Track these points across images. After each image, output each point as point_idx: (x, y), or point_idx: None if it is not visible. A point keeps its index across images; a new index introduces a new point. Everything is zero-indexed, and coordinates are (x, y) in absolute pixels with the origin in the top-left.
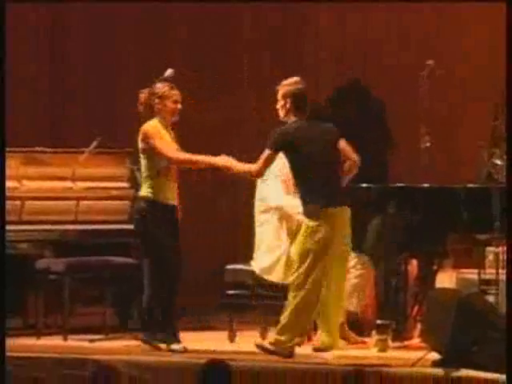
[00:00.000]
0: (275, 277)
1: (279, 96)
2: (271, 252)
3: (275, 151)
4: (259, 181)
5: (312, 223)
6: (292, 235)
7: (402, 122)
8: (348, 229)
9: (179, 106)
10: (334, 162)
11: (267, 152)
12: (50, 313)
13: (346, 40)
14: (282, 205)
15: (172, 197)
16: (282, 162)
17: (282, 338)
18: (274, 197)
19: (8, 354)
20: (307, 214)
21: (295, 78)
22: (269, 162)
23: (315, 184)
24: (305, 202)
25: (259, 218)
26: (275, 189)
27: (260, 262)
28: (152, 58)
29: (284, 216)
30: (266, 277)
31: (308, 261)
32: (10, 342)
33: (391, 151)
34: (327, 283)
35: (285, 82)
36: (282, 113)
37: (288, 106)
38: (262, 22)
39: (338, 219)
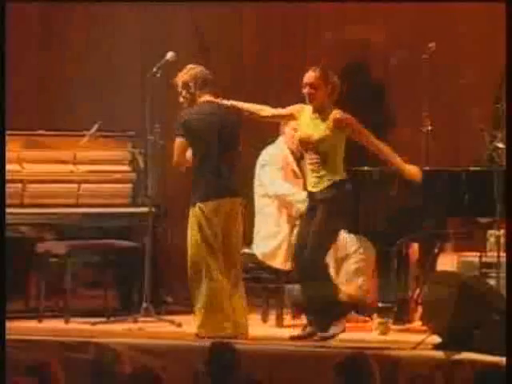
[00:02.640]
0: (278, 263)
1: (180, 85)
2: (271, 238)
3: (183, 137)
4: (258, 166)
5: (201, 210)
6: (292, 222)
7: (404, 105)
8: (239, 220)
9: (307, 89)
10: (231, 150)
11: (178, 140)
12: (52, 296)
13: (347, 26)
14: (281, 193)
15: None
16: (282, 149)
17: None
18: (271, 184)
19: (9, 336)
20: (198, 200)
21: (189, 65)
22: (182, 149)
23: (211, 172)
24: (198, 189)
25: (259, 202)
26: (273, 176)
27: (261, 247)
28: (154, 40)
29: (283, 203)
30: (268, 262)
31: (196, 247)
32: (12, 325)
33: (392, 132)
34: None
35: (182, 73)
36: (186, 100)
37: (192, 90)
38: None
39: (227, 210)
